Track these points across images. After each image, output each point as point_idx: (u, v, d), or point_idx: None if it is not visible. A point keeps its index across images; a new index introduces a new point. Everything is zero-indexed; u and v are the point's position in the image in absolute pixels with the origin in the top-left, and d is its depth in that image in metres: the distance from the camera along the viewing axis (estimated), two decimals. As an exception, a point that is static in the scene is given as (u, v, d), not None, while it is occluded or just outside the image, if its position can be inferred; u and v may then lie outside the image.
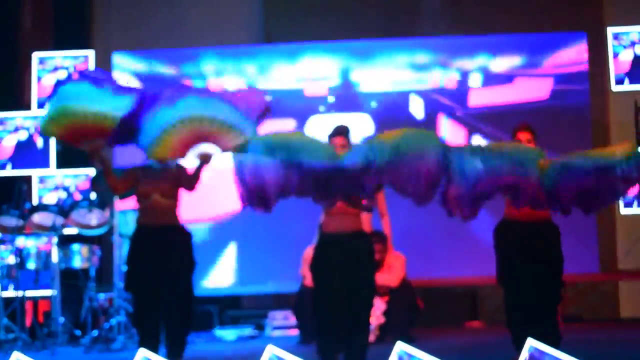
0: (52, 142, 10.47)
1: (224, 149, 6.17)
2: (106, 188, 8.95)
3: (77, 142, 6.30)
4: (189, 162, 6.48)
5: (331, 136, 6.56)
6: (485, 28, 11.41)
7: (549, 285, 6.71)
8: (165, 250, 6.73)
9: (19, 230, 9.54)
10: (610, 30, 10.63)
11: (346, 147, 6.46)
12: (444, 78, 11.01)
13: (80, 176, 10.59)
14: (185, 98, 5.92)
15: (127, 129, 6.02)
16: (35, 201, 10.28)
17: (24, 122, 10.67)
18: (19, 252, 9.20)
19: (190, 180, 6.80)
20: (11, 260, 9.29)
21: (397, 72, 11.05)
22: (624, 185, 5.98)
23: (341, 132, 6.56)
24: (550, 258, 6.75)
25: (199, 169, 6.70)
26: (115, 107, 5.96)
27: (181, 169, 6.89)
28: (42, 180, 10.63)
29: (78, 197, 10.11)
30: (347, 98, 11.06)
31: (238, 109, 5.98)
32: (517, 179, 5.91)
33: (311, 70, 11.11)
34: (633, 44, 10.63)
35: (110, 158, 6.64)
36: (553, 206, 6.11)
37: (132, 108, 5.95)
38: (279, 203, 6.02)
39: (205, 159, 6.31)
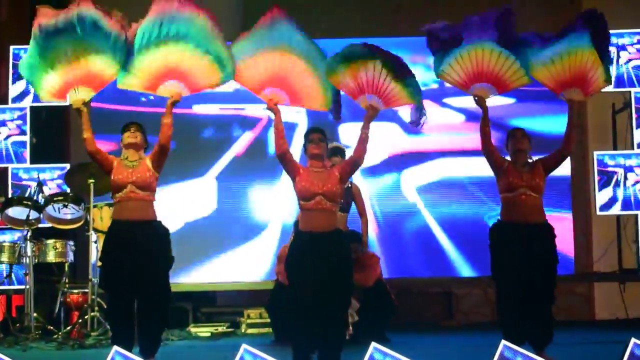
0: (27, 137, 10.43)
1: (194, 89, 6.78)
2: (80, 183, 8.90)
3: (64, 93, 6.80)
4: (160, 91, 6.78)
5: (308, 134, 6.59)
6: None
7: (544, 286, 6.74)
8: (141, 247, 6.63)
9: (-8, 225, 9.49)
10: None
11: (324, 142, 6.49)
12: (425, 78, 10.99)
13: (54, 171, 10.54)
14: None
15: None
16: (9, 195, 10.20)
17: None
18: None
19: (162, 135, 6.76)
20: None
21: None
22: None
23: (317, 129, 6.60)
24: (546, 259, 6.78)
25: (169, 107, 6.75)
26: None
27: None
28: (16, 174, 10.56)
29: (53, 192, 10.01)
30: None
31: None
32: None
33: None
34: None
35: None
36: None
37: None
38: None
39: (175, 96, 6.71)
